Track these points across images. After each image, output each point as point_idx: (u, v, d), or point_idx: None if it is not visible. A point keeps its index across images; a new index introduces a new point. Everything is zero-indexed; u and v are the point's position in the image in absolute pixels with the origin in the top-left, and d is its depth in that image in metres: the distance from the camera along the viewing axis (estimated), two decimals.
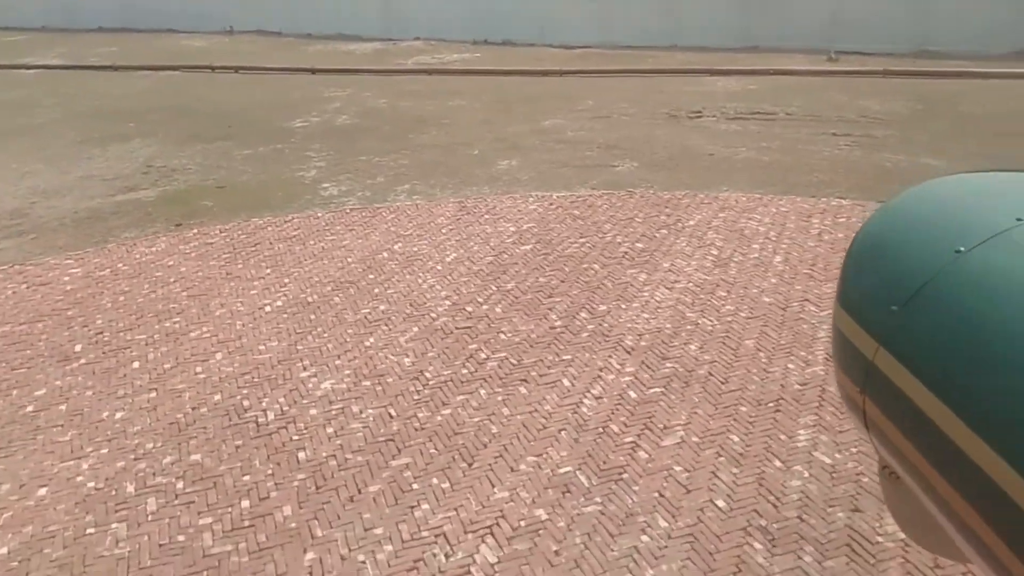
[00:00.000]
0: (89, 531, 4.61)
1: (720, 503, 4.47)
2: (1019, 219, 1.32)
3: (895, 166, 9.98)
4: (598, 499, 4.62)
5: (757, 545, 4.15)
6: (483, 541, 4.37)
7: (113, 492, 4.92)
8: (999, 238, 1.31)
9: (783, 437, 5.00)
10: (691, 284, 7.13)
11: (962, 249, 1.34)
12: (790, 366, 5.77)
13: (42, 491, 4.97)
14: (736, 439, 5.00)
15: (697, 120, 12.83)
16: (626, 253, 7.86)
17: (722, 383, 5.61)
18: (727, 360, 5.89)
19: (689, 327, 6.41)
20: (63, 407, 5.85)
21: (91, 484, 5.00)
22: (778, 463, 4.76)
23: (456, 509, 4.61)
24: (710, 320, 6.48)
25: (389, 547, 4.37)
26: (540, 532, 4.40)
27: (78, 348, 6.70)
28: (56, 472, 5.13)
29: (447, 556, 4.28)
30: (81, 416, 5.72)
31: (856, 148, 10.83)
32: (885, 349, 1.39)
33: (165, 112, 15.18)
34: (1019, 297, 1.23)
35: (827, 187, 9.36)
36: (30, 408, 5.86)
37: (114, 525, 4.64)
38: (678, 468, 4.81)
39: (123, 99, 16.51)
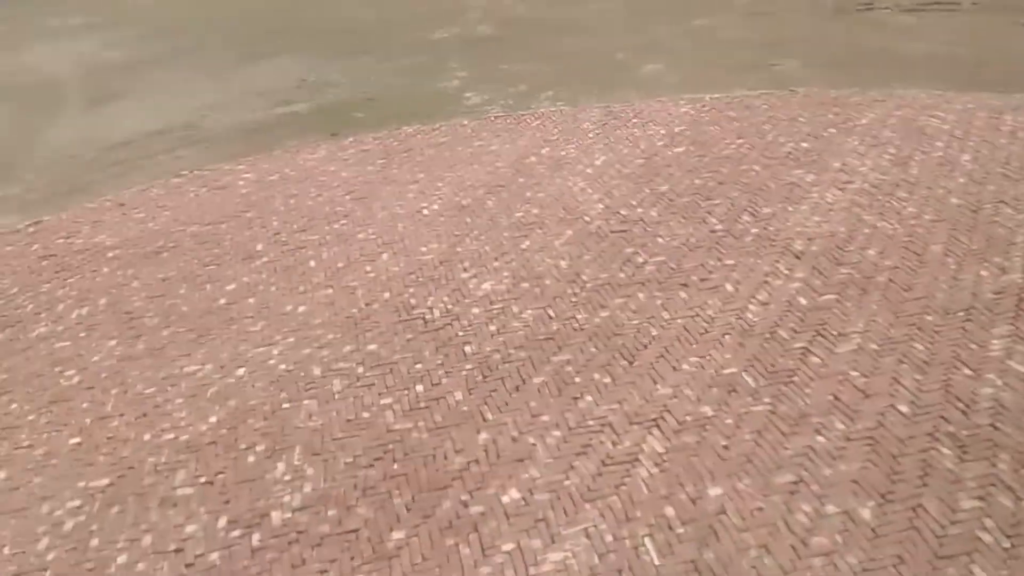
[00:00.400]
0: (285, 406, 5.08)
1: (903, 408, 4.30)
2: None
3: None
4: (767, 399, 4.56)
5: (945, 451, 3.99)
6: (649, 432, 4.45)
7: (302, 374, 5.37)
8: None
9: (973, 346, 4.69)
10: (867, 185, 6.69)
11: None
12: (983, 273, 5.36)
13: (240, 371, 5.50)
14: (920, 347, 4.75)
15: (867, 13, 11.76)
16: (790, 153, 7.46)
17: (905, 290, 5.30)
18: (910, 266, 5.54)
19: (867, 231, 6.06)
20: (251, 300, 6.38)
21: (282, 367, 5.48)
22: (967, 371, 4.49)
23: (619, 402, 4.70)
24: (890, 223, 6.09)
25: (557, 432, 4.54)
26: (707, 427, 4.42)
27: (259, 247, 7.23)
28: (251, 356, 5.65)
29: (614, 443, 4.40)
30: (268, 309, 6.22)
31: None
32: None
33: (306, 28, 15.59)
34: None
35: (1018, 81, 8.38)
36: (223, 301, 6.44)
37: (306, 402, 5.09)
38: (855, 374, 4.64)
39: (262, 16, 17.04)
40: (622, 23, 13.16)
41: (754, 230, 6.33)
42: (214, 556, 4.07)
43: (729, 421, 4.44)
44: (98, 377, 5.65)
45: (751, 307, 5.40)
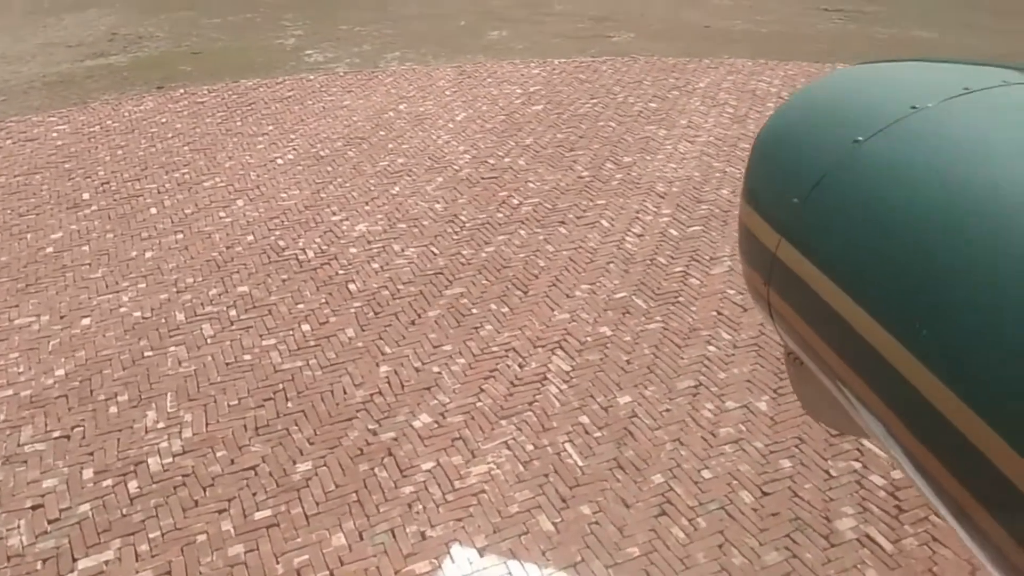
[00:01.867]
0: (147, 354, 4.53)
1: None
2: (913, 107, 1.36)
3: (890, 37, 10.07)
4: (658, 318, 4.74)
5: None
6: (553, 353, 4.46)
7: (163, 320, 4.81)
8: (894, 127, 1.35)
9: None
10: (712, 138, 7.16)
11: (860, 139, 1.37)
12: None
13: (86, 320, 4.82)
14: None
15: None
16: (640, 112, 7.82)
17: None
18: None
19: (718, 175, 6.49)
20: (85, 248, 5.62)
21: (137, 314, 4.88)
22: None
23: (520, 328, 4.68)
24: (737, 169, 6.56)
25: (461, 360, 4.42)
26: (608, 345, 4.52)
27: (86, 196, 6.39)
28: (96, 304, 4.98)
29: (521, 366, 4.37)
30: (107, 256, 5.51)
31: (850, 22, 10.86)
32: (787, 241, 1.44)
33: None
34: (911, 186, 1.28)
35: (828, 56, 9.40)
36: (50, 249, 5.62)
37: (172, 348, 4.57)
38: (731, 291, 4.95)
39: None
40: None
41: (618, 175, 6.56)
42: (84, 507, 3.53)
43: (627, 339, 4.57)
44: None
45: (628, 239, 5.60)
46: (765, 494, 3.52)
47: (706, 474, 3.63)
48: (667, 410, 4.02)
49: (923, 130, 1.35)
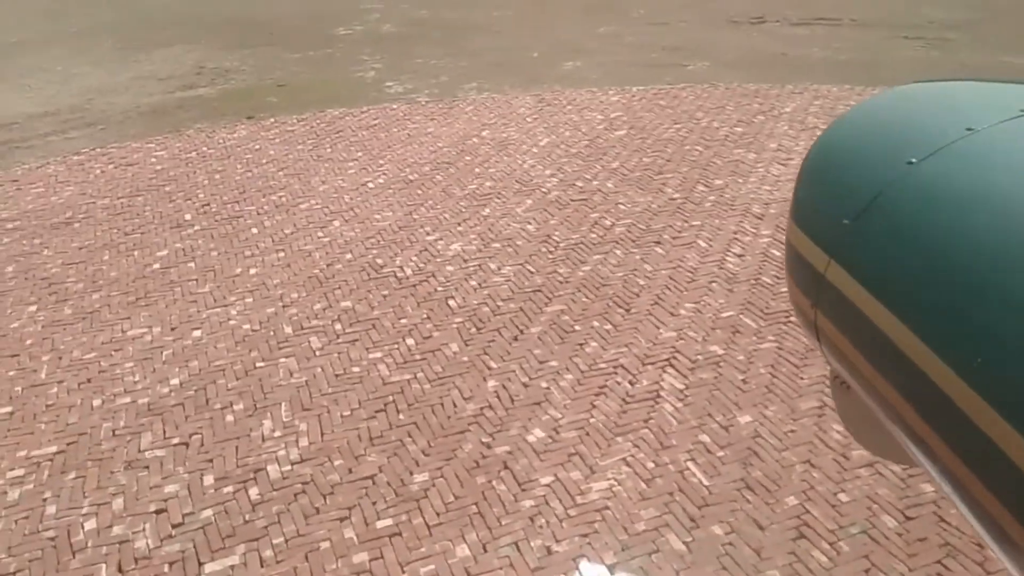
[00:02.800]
0: (259, 364, 4.58)
1: None
2: (969, 128, 1.32)
3: (979, 63, 9.82)
4: (771, 338, 4.61)
5: None
6: (664, 371, 4.36)
7: (271, 333, 4.88)
8: (949, 148, 1.31)
9: None
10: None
11: (913, 160, 1.33)
12: None
13: (197, 332, 4.92)
14: None
15: (760, 25, 12.57)
16: (727, 136, 7.74)
17: None
18: None
19: None
20: (191, 264, 5.77)
21: (246, 326, 4.96)
22: None
23: (627, 346, 4.60)
24: None
25: (569, 376, 4.36)
26: (721, 364, 4.40)
27: (188, 217, 6.59)
28: (205, 317, 5.08)
29: (631, 383, 4.28)
30: (213, 272, 5.65)
31: (933, 49, 10.64)
32: (837, 262, 1.40)
33: (199, 21, 14.78)
34: (966, 209, 1.24)
35: (910, 81, 9.20)
36: (157, 266, 5.78)
37: (282, 360, 4.62)
38: None
39: (152, 10, 16.05)
40: (527, 27, 13.35)
41: (711, 198, 6.48)
42: (207, 513, 3.54)
43: (741, 358, 4.44)
44: (22, 344, 4.87)
45: (728, 259, 5.49)
46: (909, 519, 3.34)
47: (843, 497, 3.46)
48: (792, 431, 3.87)
49: (979, 152, 1.31)
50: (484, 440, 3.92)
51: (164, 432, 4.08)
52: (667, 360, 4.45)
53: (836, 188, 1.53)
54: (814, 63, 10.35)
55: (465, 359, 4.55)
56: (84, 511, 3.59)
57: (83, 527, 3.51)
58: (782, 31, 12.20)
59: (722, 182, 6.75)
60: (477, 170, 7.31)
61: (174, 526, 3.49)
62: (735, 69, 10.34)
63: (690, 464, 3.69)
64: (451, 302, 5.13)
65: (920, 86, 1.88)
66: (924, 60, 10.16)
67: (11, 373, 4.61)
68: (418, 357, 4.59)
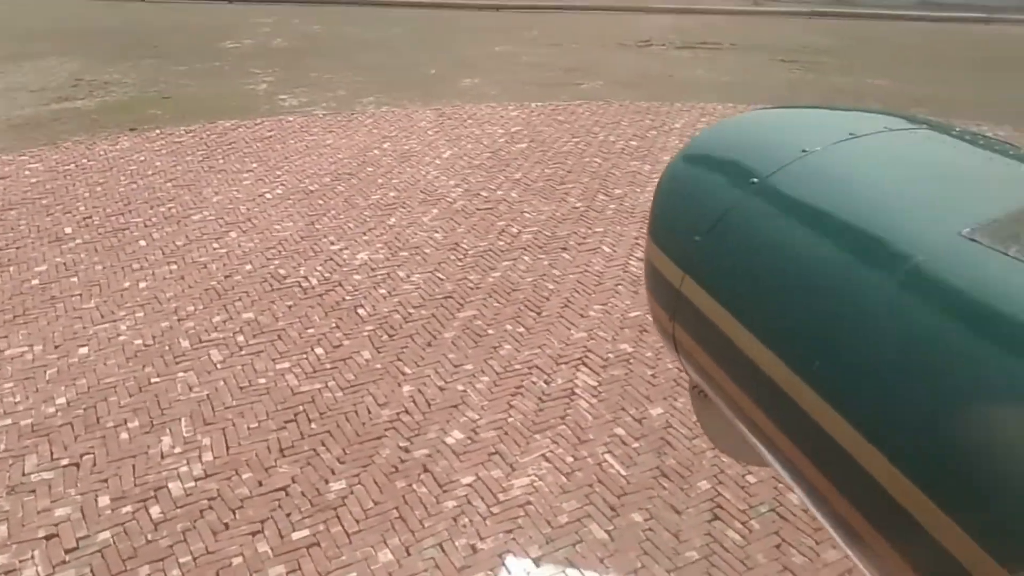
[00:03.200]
0: (154, 380, 4.31)
1: None
2: (804, 151, 1.48)
3: (848, 85, 10.62)
4: None
5: None
6: (578, 370, 4.42)
7: (167, 348, 4.61)
8: (787, 168, 1.47)
9: None
10: None
11: (755, 180, 1.48)
12: None
13: (83, 350, 4.58)
14: None
15: (647, 48, 13.12)
16: (623, 149, 8.01)
17: None
18: None
19: None
20: (74, 279, 5.38)
21: (138, 342, 4.66)
22: None
23: (540, 347, 4.64)
24: None
25: (485, 378, 4.34)
26: (631, 361, 4.50)
27: (68, 230, 6.15)
28: (92, 333, 4.75)
29: (547, 382, 4.31)
30: (99, 287, 5.29)
31: (807, 72, 11.42)
32: (690, 277, 1.53)
33: (74, 35, 13.95)
34: (802, 224, 1.40)
35: (794, 100, 9.85)
36: (36, 281, 5.36)
37: (180, 374, 4.37)
38: None
39: (17, 22, 15.05)
40: (424, 45, 13.38)
41: (612, 206, 6.67)
42: (104, 535, 3.29)
43: (649, 354, 4.57)
44: None
45: (632, 263, 5.65)
46: None
47: (751, 479, 3.61)
48: None
49: (812, 172, 1.45)
50: (402, 444, 3.84)
51: (51, 453, 3.76)
52: (580, 359, 4.52)
53: (688, 207, 1.63)
54: (699, 83, 10.89)
55: (378, 366, 4.46)
56: None
57: None
58: (668, 54, 12.78)
59: (621, 191, 6.96)
60: (380, 180, 7.22)
61: (67, 551, 3.22)
62: (627, 88, 10.73)
63: (607, 456, 3.75)
64: (360, 311, 5.02)
65: (763, 112, 2.05)
66: (799, 81, 10.89)
67: None
68: (328, 366, 4.45)
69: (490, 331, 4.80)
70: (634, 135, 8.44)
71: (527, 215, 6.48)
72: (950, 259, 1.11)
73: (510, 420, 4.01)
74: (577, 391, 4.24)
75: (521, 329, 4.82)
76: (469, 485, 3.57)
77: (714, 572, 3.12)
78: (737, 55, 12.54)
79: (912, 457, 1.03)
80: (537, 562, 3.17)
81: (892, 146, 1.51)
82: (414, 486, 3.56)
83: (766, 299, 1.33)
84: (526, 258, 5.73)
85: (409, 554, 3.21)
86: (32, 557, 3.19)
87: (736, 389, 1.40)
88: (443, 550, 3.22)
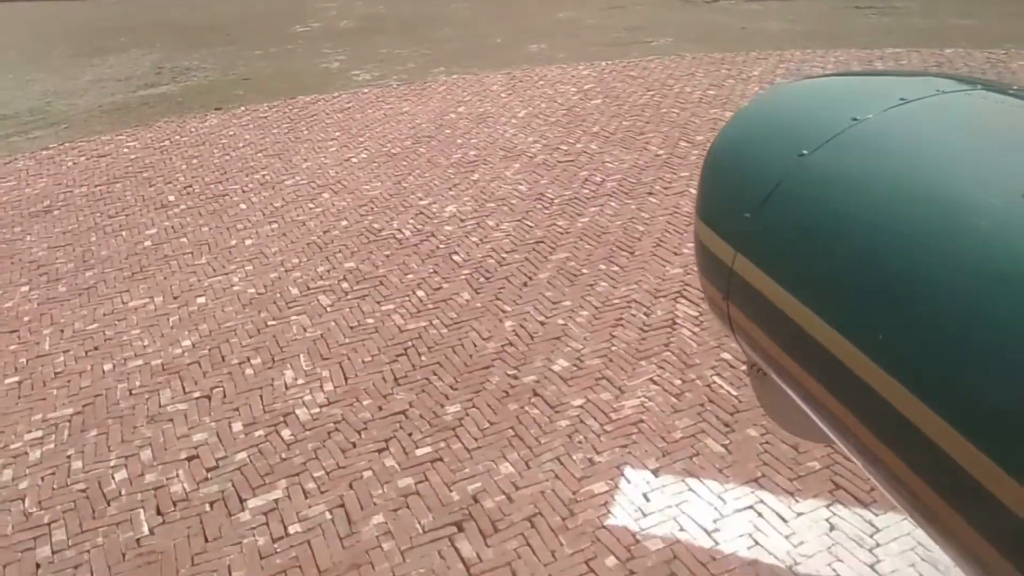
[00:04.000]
0: (270, 323, 4.54)
1: None
2: (854, 119, 1.42)
3: (931, 27, 10.21)
4: None
5: None
6: (676, 302, 4.45)
7: (278, 295, 4.83)
8: (837, 139, 1.40)
9: None
10: None
11: (805, 152, 1.42)
12: None
13: (201, 299, 4.85)
14: None
15: (715, 4, 12.86)
16: (701, 98, 7.91)
17: None
18: None
19: None
20: (184, 240, 5.68)
21: (251, 291, 4.90)
22: None
23: (636, 283, 4.67)
24: None
25: (584, 312, 4.41)
26: None
27: (171, 198, 6.47)
28: (207, 285, 5.01)
29: (647, 314, 4.35)
30: (208, 245, 5.56)
31: (884, 17, 11.02)
32: (742, 255, 1.48)
33: (149, 28, 14.52)
34: (855, 195, 1.33)
35: (874, 44, 9.53)
36: (148, 243, 5.67)
37: (293, 317, 4.58)
38: None
39: (98, 20, 15.74)
40: (487, 17, 13.43)
41: (695, 152, 6.61)
42: (240, 456, 3.50)
43: None
44: (19, 320, 4.74)
45: None
46: None
47: None
48: None
49: (864, 140, 1.40)
50: (510, 373, 3.94)
51: (183, 388, 4.01)
52: (678, 292, 4.54)
53: (735, 183, 1.60)
54: (773, 35, 10.63)
55: (478, 305, 4.58)
56: (112, 463, 3.52)
57: (113, 478, 3.43)
58: (737, 8, 12.51)
59: (703, 138, 6.89)
60: (459, 141, 7.33)
61: (208, 470, 3.44)
62: (698, 43, 10.56)
63: (716, 379, 3.77)
64: (455, 257, 5.15)
65: (807, 82, 2.00)
66: (878, 26, 10.52)
67: (12, 347, 4.48)
68: (431, 306, 4.59)
69: (584, 271, 4.86)
70: (711, 85, 8.33)
71: (609, 164, 6.49)
72: (1016, 224, 1.07)
73: (613, 348, 4.07)
74: (678, 321, 4.26)
75: (615, 268, 4.87)
76: (580, 407, 3.65)
77: (838, 480, 3.13)
78: (810, 4, 12.18)
79: (985, 429, 0.99)
80: (656, 472, 3.23)
81: (946, 109, 1.45)
82: (526, 408, 3.67)
83: (824, 274, 1.30)
84: (613, 204, 5.76)
85: (529, 467, 3.31)
86: (177, 475, 3.42)
87: (797, 367, 1.37)
88: (561, 463, 3.32)
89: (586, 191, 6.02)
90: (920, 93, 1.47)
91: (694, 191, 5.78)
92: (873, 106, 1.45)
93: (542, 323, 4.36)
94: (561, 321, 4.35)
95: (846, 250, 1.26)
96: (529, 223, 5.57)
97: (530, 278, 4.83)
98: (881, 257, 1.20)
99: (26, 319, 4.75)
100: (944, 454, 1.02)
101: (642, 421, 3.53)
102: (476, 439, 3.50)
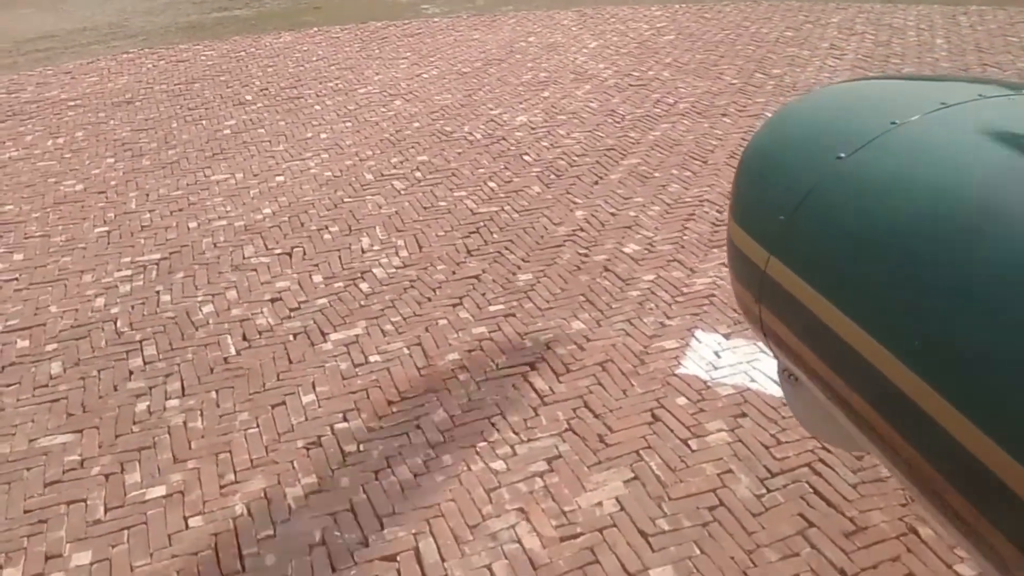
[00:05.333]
0: (346, 200, 4.66)
1: None
2: (893, 122, 1.37)
3: None
4: None
5: None
6: None
7: (353, 178, 4.95)
8: (875, 142, 1.35)
9: None
10: (859, 56, 7.09)
11: (842, 155, 1.37)
12: None
13: (279, 178, 4.99)
14: None
15: None
16: (778, 39, 7.79)
17: None
18: None
19: None
20: (261, 130, 5.83)
21: (327, 174, 5.03)
22: None
23: (709, 187, 4.67)
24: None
25: (656, 208, 4.44)
26: None
27: (248, 97, 6.64)
28: (285, 167, 5.15)
29: (719, 212, 4.36)
30: (284, 136, 5.71)
31: None
32: (776, 258, 1.43)
33: None
34: (894, 199, 1.27)
35: (959, 2, 9.24)
36: (227, 131, 5.84)
37: (368, 196, 4.69)
38: None
39: None
40: None
41: (771, 83, 6.53)
42: (321, 301, 3.63)
43: None
44: (107, 184, 4.94)
45: None
46: None
47: None
48: None
49: (903, 145, 1.36)
50: (580, 252, 4.00)
51: (265, 246, 4.15)
52: None
53: (771, 186, 1.57)
54: None
55: (549, 197, 4.63)
56: (199, 299, 3.68)
57: (201, 310, 3.59)
58: None
59: (779, 71, 6.80)
60: (529, 64, 7.35)
61: (291, 309, 3.58)
62: None
63: None
64: (526, 157, 5.20)
65: (846, 84, 1.94)
66: None
67: (100, 204, 4.68)
68: (502, 195, 4.66)
69: (656, 174, 4.87)
70: (788, 28, 8.18)
71: (682, 89, 6.45)
72: None
73: (685, 237, 4.09)
74: None
75: (688, 173, 4.87)
76: (651, 281, 3.69)
77: None
78: None
79: (1018, 436, 0.97)
80: (727, 336, 3.26)
81: (988, 114, 1.41)
82: (598, 279, 3.72)
83: (860, 278, 1.27)
84: (685, 122, 5.73)
85: (599, 325, 3.37)
86: (262, 312, 3.57)
87: (828, 371, 1.34)
88: (632, 324, 3.37)
89: (658, 110, 6.00)
90: (961, 97, 1.44)
91: (769, 115, 5.76)
92: (913, 110, 1.42)
93: (613, 214, 4.39)
94: (632, 213, 4.38)
95: (883, 254, 1.24)
96: (600, 134, 5.58)
97: (601, 178, 4.86)
98: (918, 262, 1.17)
99: (113, 183, 4.95)
100: (983, 467, 1.01)
101: (713, 295, 3.56)
102: (547, 301, 3.57)
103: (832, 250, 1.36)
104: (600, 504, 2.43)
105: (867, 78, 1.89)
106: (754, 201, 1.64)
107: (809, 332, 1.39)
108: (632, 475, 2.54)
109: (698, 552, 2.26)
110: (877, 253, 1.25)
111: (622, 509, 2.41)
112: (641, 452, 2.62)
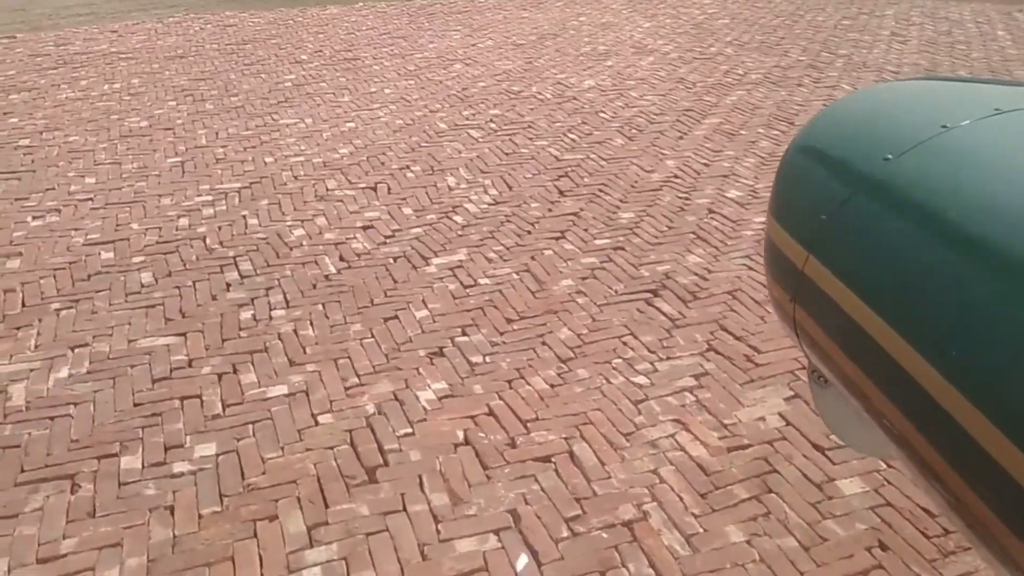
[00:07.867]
0: (423, 145, 4.48)
1: None
2: (944, 126, 1.32)
3: None
4: None
5: None
6: None
7: (424, 129, 4.78)
8: (925, 145, 1.31)
9: None
10: (923, 41, 6.97)
11: (890, 157, 1.33)
12: None
13: (349, 124, 4.82)
14: None
15: None
16: (836, 25, 7.67)
17: None
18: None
19: (946, 62, 6.28)
20: (323, 84, 5.67)
21: (399, 122, 4.86)
22: None
23: None
24: (961, 61, 6.36)
25: (750, 160, 4.28)
26: None
27: (304, 57, 6.48)
28: (355, 115, 4.98)
29: None
30: (348, 90, 5.55)
31: None
32: (815, 258, 1.39)
33: None
34: (941, 205, 1.23)
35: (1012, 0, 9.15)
36: (289, 84, 5.68)
37: (446, 143, 4.52)
38: None
39: None
40: None
41: (839, 61, 6.40)
42: (416, 231, 3.45)
43: None
44: (172, 123, 4.77)
45: None
46: None
47: None
48: None
49: (954, 149, 1.31)
50: (680, 196, 3.83)
51: (348, 181, 3.98)
52: None
53: (814, 183, 1.52)
54: None
55: (635, 148, 4.47)
56: (289, 223, 3.50)
57: (292, 233, 3.41)
58: None
59: (845, 52, 6.68)
60: (586, 39, 7.22)
61: (386, 236, 3.40)
62: None
63: None
64: (602, 114, 5.04)
65: (896, 84, 1.93)
66: None
67: (169, 139, 4.50)
68: (585, 145, 4.50)
69: (743, 132, 4.72)
70: (844, 17, 8.08)
71: (749, 63, 6.32)
72: None
73: None
74: None
75: (776, 132, 4.71)
76: (764, 223, 3.52)
77: None
78: None
79: None
80: None
81: None
82: (705, 220, 3.55)
83: (898, 283, 1.24)
84: (760, 90, 5.59)
85: (718, 260, 3.20)
86: (355, 237, 3.39)
87: (861, 376, 1.31)
88: (753, 260, 3.20)
89: (729, 80, 5.86)
90: (1016, 104, 1.39)
91: (847, 86, 5.62)
92: (965, 114, 1.38)
93: (706, 164, 4.23)
94: (727, 164, 4.22)
95: (926, 261, 1.20)
96: (675, 97, 5.43)
97: (685, 133, 4.70)
98: (962, 272, 1.14)
99: (179, 122, 4.78)
100: (1011, 478, 0.96)
101: None
102: (656, 237, 3.40)
103: (873, 252, 1.32)
104: (763, 419, 2.24)
105: (916, 78, 1.83)
106: (796, 198, 1.60)
107: (843, 334, 1.35)
108: (792, 393, 2.35)
109: (884, 466, 2.07)
110: (920, 258, 1.22)
111: (788, 424, 2.22)
112: (797, 372, 2.44)
